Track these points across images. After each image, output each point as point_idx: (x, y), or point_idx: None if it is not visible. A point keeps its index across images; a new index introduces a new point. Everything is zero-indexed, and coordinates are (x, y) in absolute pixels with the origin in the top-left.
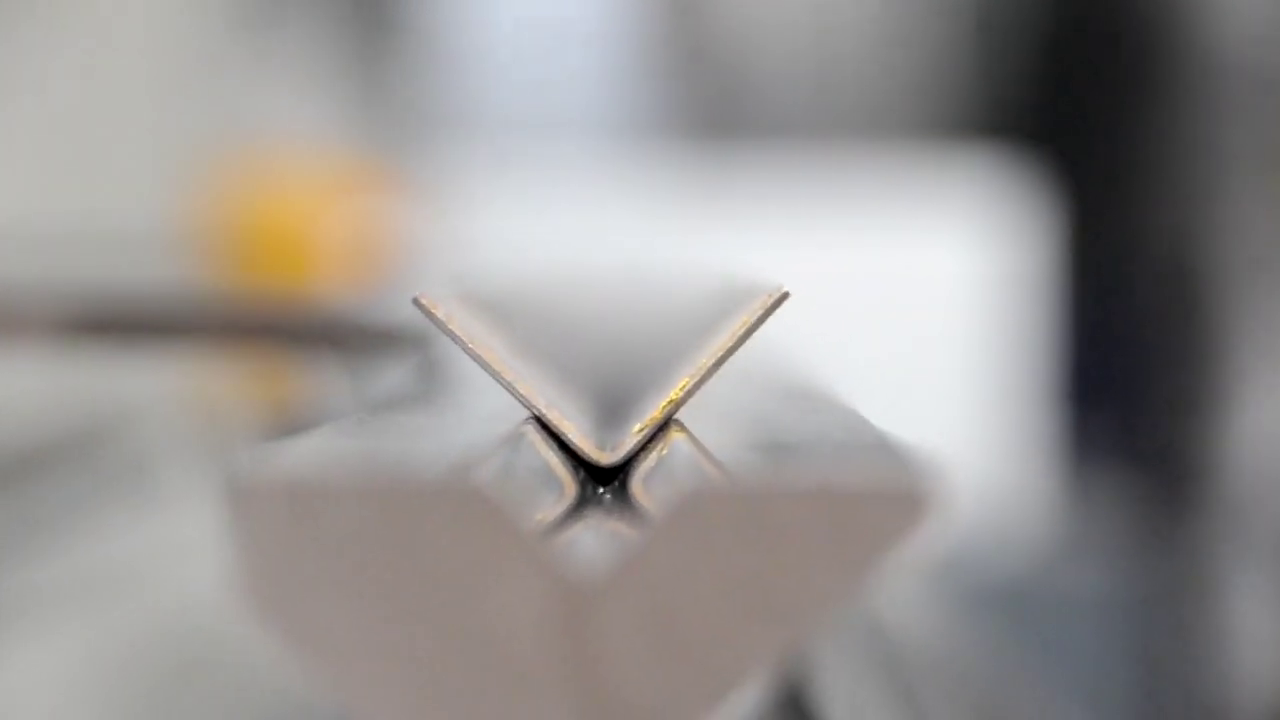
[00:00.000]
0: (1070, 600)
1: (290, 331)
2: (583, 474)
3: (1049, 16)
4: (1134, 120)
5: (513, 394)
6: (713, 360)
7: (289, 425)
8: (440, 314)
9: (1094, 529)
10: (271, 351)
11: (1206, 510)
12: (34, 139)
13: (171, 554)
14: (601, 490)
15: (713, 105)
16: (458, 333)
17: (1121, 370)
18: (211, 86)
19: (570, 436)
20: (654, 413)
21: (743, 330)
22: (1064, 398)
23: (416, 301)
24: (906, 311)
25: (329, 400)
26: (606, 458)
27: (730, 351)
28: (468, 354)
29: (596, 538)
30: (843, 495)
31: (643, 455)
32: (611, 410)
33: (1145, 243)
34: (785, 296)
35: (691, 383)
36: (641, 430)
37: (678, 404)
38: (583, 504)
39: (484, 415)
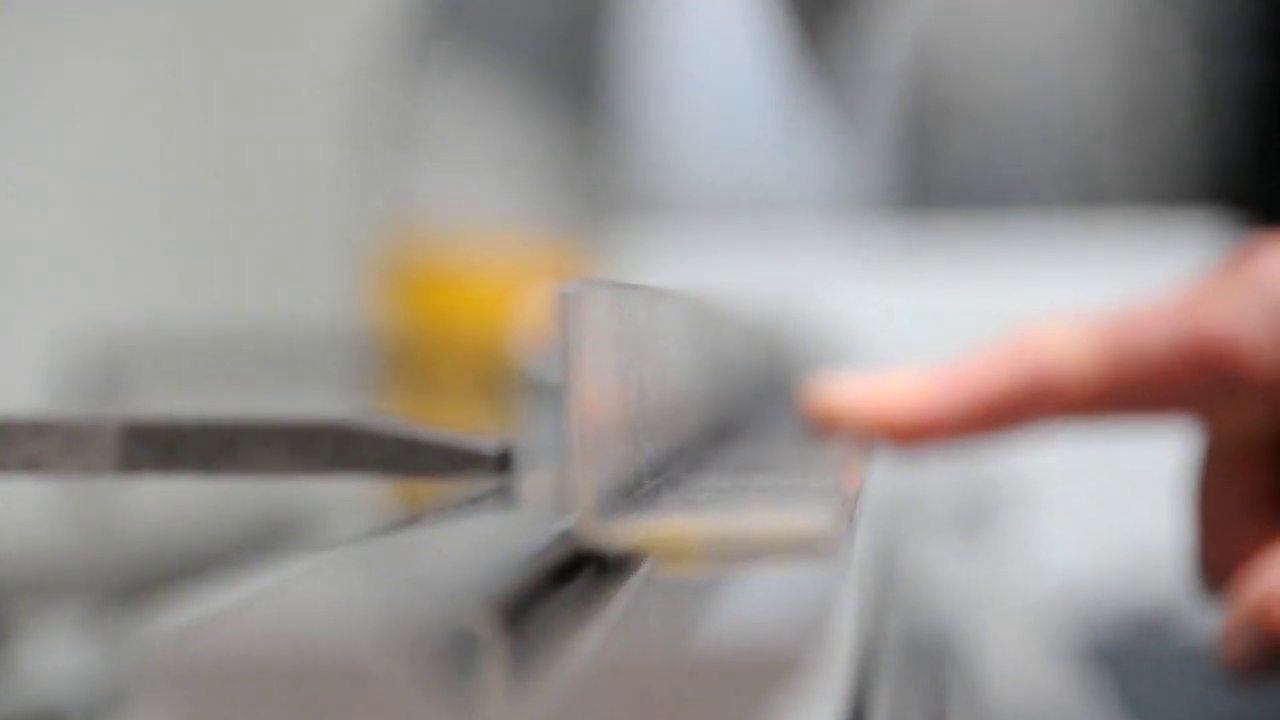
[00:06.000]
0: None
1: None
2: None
3: (1274, 83)
4: None
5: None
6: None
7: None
8: (573, 314)
9: None
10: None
11: None
12: (205, 227)
13: None
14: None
15: (926, 175)
16: (571, 338)
17: None
18: (394, 167)
19: (579, 495)
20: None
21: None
22: None
23: (563, 294)
24: None
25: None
26: (588, 532)
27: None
28: (562, 363)
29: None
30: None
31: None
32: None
33: None
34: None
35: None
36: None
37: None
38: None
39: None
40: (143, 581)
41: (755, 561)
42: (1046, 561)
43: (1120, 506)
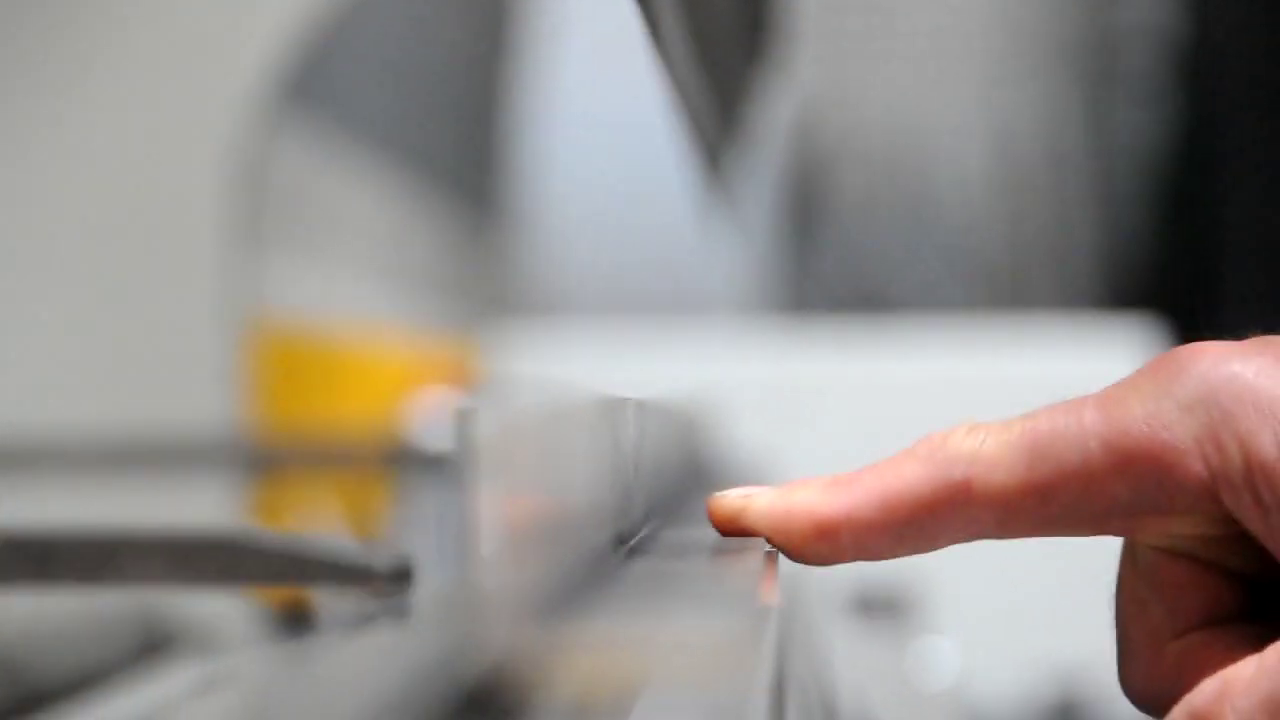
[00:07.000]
0: None
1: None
2: None
3: (1173, 190)
4: (1266, 289)
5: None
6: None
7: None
8: (476, 433)
9: None
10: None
11: None
12: (67, 332)
13: None
14: None
15: (841, 280)
16: (478, 454)
17: None
18: (271, 264)
19: (491, 619)
20: None
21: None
22: None
23: (460, 412)
24: None
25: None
26: (504, 654)
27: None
28: (467, 483)
29: None
30: None
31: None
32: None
33: None
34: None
35: None
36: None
37: None
38: None
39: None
40: (19, 694)
41: (674, 676)
42: (957, 652)
43: (1045, 611)
